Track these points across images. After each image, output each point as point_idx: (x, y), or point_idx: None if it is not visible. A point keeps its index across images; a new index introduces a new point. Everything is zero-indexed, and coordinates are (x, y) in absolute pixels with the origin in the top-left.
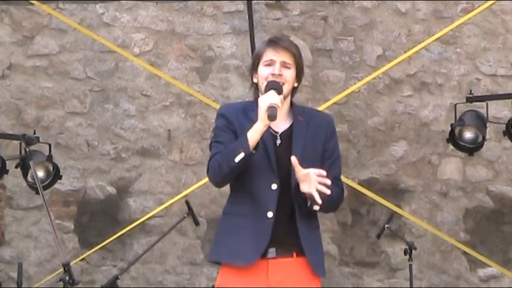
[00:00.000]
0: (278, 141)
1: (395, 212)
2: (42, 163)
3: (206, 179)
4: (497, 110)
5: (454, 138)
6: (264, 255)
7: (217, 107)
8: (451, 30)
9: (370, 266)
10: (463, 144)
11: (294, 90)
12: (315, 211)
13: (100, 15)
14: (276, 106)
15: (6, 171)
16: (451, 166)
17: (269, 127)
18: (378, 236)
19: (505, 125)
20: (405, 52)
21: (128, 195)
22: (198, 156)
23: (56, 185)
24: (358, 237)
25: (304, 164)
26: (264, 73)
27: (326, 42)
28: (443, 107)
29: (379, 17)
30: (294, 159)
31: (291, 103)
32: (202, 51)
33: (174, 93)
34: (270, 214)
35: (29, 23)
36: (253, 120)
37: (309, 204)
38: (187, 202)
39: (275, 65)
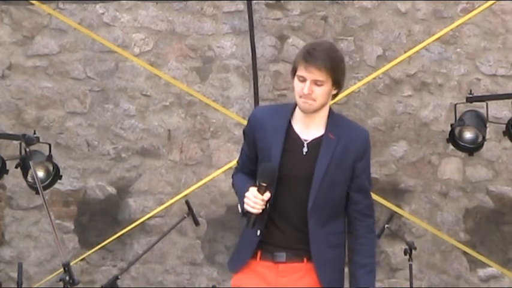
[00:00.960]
0: (305, 149)
1: (396, 212)
2: (42, 163)
3: (206, 179)
4: (497, 110)
5: (454, 138)
6: (273, 259)
7: (217, 107)
8: (451, 30)
9: None
10: (463, 144)
11: (334, 96)
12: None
13: (100, 15)
14: (253, 215)
15: (6, 171)
16: (451, 166)
17: (297, 134)
18: (378, 236)
19: (505, 125)
20: (405, 52)
21: (128, 195)
22: (198, 156)
23: (56, 185)
24: None
25: (327, 180)
26: (297, 88)
27: None
28: (443, 107)
29: (379, 17)
30: None
31: (329, 110)
32: (202, 51)
33: (174, 93)
34: (258, 233)
35: (29, 23)
36: (283, 123)
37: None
38: (187, 202)
39: (305, 83)
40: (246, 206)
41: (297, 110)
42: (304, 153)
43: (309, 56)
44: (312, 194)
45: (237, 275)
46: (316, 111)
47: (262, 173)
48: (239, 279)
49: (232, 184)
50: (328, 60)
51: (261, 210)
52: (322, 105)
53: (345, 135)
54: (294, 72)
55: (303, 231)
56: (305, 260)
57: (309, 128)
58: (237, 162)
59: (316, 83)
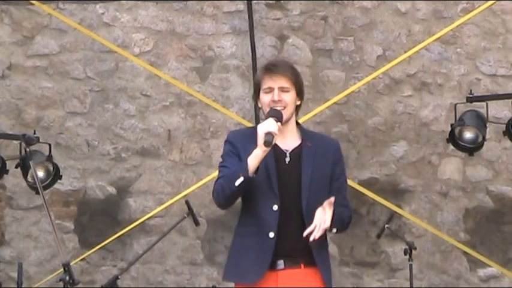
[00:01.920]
0: (287, 159)
1: (396, 212)
2: (42, 163)
3: (206, 179)
4: (497, 110)
5: (454, 138)
6: (272, 268)
7: (217, 107)
8: (451, 30)
9: (370, 266)
10: (463, 144)
11: (297, 108)
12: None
13: (100, 15)
14: (273, 133)
15: (6, 171)
16: (451, 166)
17: (277, 145)
18: (378, 236)
19: (505, 125)
20: (405, 52)
21: (128, 195)
22: (198, 156)
23: (56, 185)
24: (358, 237)
25: (313, 185)
26: (265, 100)
27: (326, 42)
28: (443, 107)
29: (379, 17)
30: (330, 202)
31: (297, 124)
32: (202, 51)
33: (174, 93)
34: (271, 234)
35: (29, 23)
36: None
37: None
38: (187, 202)
39: (273, 92)
40: (263, 129)
41: None
42: (287, 162)
43: (272, 66)
44: (303, 199)
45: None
46: (287, 121)
47: (272, 112)
48: None
49: (219, 188)
50: (289, 68)
51: (277, 128)
52: (291, 115)
53: (319, 143)
54: (257, 92)
55: (299, 239)
56: (302, 265)
57: (285, 140)
58: (218, 177)
59: (283, 89)
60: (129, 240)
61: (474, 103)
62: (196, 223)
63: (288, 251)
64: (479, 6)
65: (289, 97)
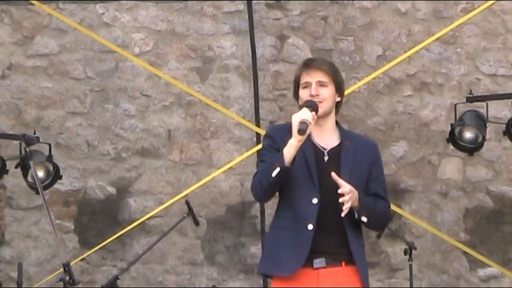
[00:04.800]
0: (326, 158)
1: (396, 212)
2: (42, 163)
3: (206, 179)
4: (497, 110)
5: (454, 138)
6: (313, 266)
7: (217, 107)
8: (451, 30)
9: (370, 266)
10: (463, 144)
11: (338, 105)
12: (364, 224)
13: (100, 15)
14: (306, 122)
15: (6, 171)
16: (451, 166)
17: (316, 143)
18: (378, 236)
19: (505, 125)
20: (405, 52)
21: (128, 195)
22: (198, 156)
23: (56, 185)
24: None
25: (351, 185)
26: (303, 95)
27: (326, 42)
28: (443, 107)
29: (379, 17)
30: (333, 175)
31: (337, 123)
32: (202, 51)
33: (174, 93)
34: (310, 226)
35: (29, 23)
36: None
37: (356, 217)
38: (187, 202)
39: (311, 86)
40: (298, 118)
41: None
42: (326, 161)
43: (310, 61)
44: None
45: (279, 282)
46: (326, 115)
47: (307, 103)
48: (281, 285)
49: (257, 181)
50: (328, 63)
51: (311, 117)
52: (330, 111)
53: (358, 142)
54: (296, 87)
55: (339, 236)
56: (343, 263)
57: (324, 138)
58: (256, 172)
59: (320, 83)
60: (129, 240)
61: (474, 103)
62: (196, 223)
63: (328, 248)
64: (479, 6)
65: (327, 92)
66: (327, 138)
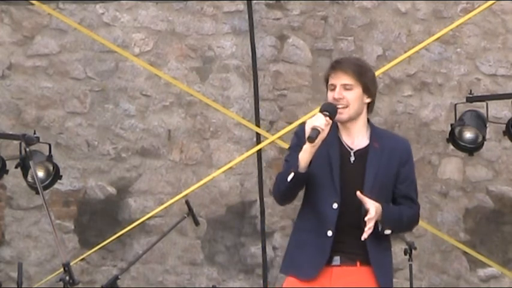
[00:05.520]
0: (352, 158)
1: None
2: (42, 163)
3: (206, 179)
4: (497, 110)
5: (454, 138)
6: (328, 263)
7: (217, 107)
8: (451, 30)
9: None
10: (463, 144)
11: (370, 105)
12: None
13: (100, 15)
14: (318, 128)
15: (6, 171)
16: (451, 166)
17: (344, 142)
18: None
19: (505, 125)
20: (405, 52)
21: (128, 195)
22: (198, 156)
23: (56, 185)
24: None
25: (376, 189)
26: (329, 98)
27: (326, 42)
28: (443, 107)
29: (379, 17)
30: (359, 194)
31: (369, 122)
32: (202, 51)
33: (174, 93)
34: (329, 233)
35: (29, 23)
36: (327, 139)
37: (379, 229)
38: (187, 202)
39: (336, 89)
40: (310, 124)
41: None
42: (352, 162)
43: (336, 63)
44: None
45: (291, 279)
46: (352, 119)
47: (325, 106)
48: (294, 283)
49: (276, 183)
50: (354, 65)
51: (325, 123)
52: (357, 113)
53: (388, 143)
54: (327, 89)
55: (357, 239)
56: (358, 263)
57: (352, 138)
58: (279, 172)
59: (345, 87)
60: (129, 240)
61: (474, 103)
62: (196, 223)
63: (345, 248)
64: (479, 6)
65: (353, 95)
66: (356, 138)
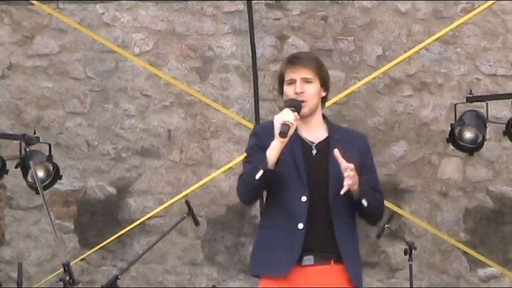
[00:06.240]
0: (314, 151)
1: (396, 212)
2: (42, 163)
3: (206, 179)
4: (497, 110)
5: (454, 138)
6: (301, 263)
7: (217, 107)
8: (451, 30)
9: (370, 266)
10: (463, 144)
11: (323, 100)
12: (362, 211)
13: (100, 15)
14: (288, 123)
15: (6, 171)
16: (451, 166)
17: (304, 137)
18: (378, 236)
19: (505, 125)
20: (405, 52)
21: (128, 195)
22: (198, 156)
23: (56, 185)
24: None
25: (341, 178)
26: (288, 92)
27: (326, 42)
28: (443, 107)
29: (379, 17)
30: (336, 152)
31: (324, 117)
32: (202, 51)
33: (174, 93)
34: (300, 226)
35: (29, 23)
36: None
37: (356, 198)
38: (187, 202)
39: (296, 83)
40: (279, 119)
41: None
42: (314, 154)
43: (294, 58)
44: (330, 192)
45: (266, 281)
46: (311, 114)
47: (290, 102)
48: (270, 284)
49: (241, 184)
50: (312, 59)
51: (294, 118)
52: (316, 107)
53: (347, 136)
54: (281, 85)
55: (328, 232)
56: (332, 262)
57: (312, 132)
58: (241, 174)
59: (306, 80)
60: (129, 240)
61: (474, 103)
62: (196, 223)
63: (317, 246)
64: (479, 6)
65: (312, 88)
66: (315, 132)
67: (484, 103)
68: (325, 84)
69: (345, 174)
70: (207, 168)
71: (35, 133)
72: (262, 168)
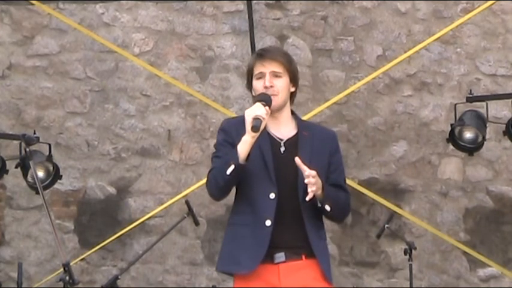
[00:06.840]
0: (282, 149)
1: (395, 212)
2: (42, 163)
3: (206, 179)
4: (497, 110)
5: (454, 138)
6: (273, 261)
7: (217, 107)
8: (451, 30)
9: (370, 266)
10: (463, 144)
11: (292, 95)
12: (326, 214)
13: (100, 15)
14: (260, 118)
15: (6, 171)
16: (451, 166)
17: (272, 134)
18: (378, 236)
19: (505, 125)
20: (405, 52)
21: (128, 195)
22: (198, 156)
23: (56, 185)
24: (358, 237)
25: None
26: (257, 86)
27: (326, 42)
28: (443, 107)
29: (379, 17)
30: (297, 160)
31: (293, 113)
32: (202, 51)
33: (174, 93)
34: (268, 222)
35: (29, 23)
36: None
37: (319, 205)
38: (187, 202)
39: (265, 77)
40: (251, 114)
41: None
42: (282, 152)
43: (263, 51)
44: (300, 190)
45: (240, 280)
46: (280, 108)
47: (260, 96)
48: (244, 283)
49: (212, 179)
50: (282, 53)
51: (265, 113)
52: (285, 102)
53: (317, 133)
54: (250, 78)
55: (298, 229)
56: (303, 257)
57: (280, 129)
58: (211, 168)
59: (275, 74)
60: (129, 240)
61: (474, 103)
62: (196, 223)
63: (287, 243)
64: (479, 6)
65: (282, 83)
66: (284, 129)
67: (484, 103)
68: (294, 79)
69: (306, 181)
70: (207, 168)
71: (35, 133)
72: (234, 163)
